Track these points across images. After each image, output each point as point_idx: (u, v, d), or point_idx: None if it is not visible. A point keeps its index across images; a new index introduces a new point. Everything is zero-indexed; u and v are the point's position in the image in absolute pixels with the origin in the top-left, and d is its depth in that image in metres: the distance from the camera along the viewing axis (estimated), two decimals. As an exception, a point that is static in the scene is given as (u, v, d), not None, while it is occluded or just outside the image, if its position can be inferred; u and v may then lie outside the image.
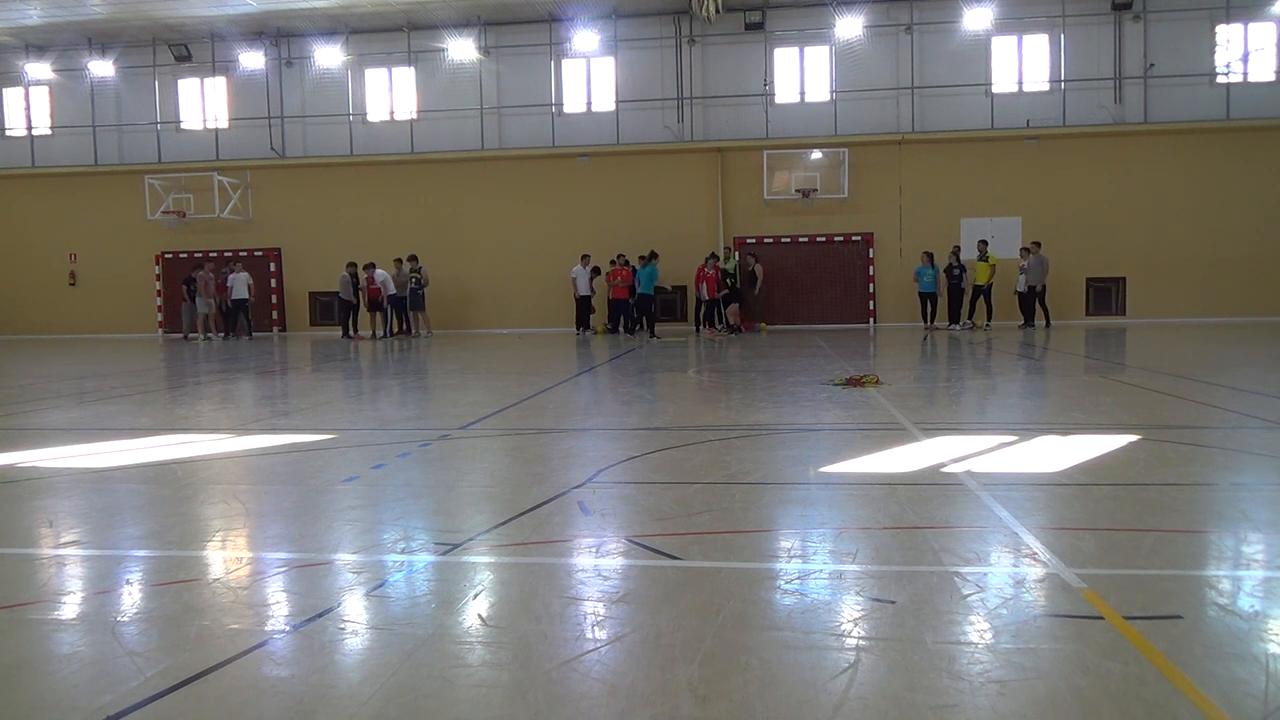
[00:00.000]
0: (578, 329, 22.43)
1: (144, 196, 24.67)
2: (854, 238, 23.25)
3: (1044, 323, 20.93)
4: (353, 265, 22.33)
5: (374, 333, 22.63)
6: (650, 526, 4.49)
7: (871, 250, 23.20)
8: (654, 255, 21.57)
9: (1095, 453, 6.08)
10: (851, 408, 8.52)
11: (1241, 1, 21.96)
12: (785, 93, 23.71)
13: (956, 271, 21.24)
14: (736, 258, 22.32)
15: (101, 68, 25.04)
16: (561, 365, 14.46)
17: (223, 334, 23.55)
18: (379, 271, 22.46)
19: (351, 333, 22.40)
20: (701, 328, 21.91)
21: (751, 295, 22.42)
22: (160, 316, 25.44)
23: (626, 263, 22.14)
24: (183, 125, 25.73)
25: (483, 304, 24.40)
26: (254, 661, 2.93)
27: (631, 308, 22.12)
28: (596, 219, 23.69)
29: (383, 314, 22.58)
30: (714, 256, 21.76)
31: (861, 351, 15.61)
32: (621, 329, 22.17)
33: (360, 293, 22.46)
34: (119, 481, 5.89)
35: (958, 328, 21.17)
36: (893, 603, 3.32)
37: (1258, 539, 4.14)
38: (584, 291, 22.20)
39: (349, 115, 24.87)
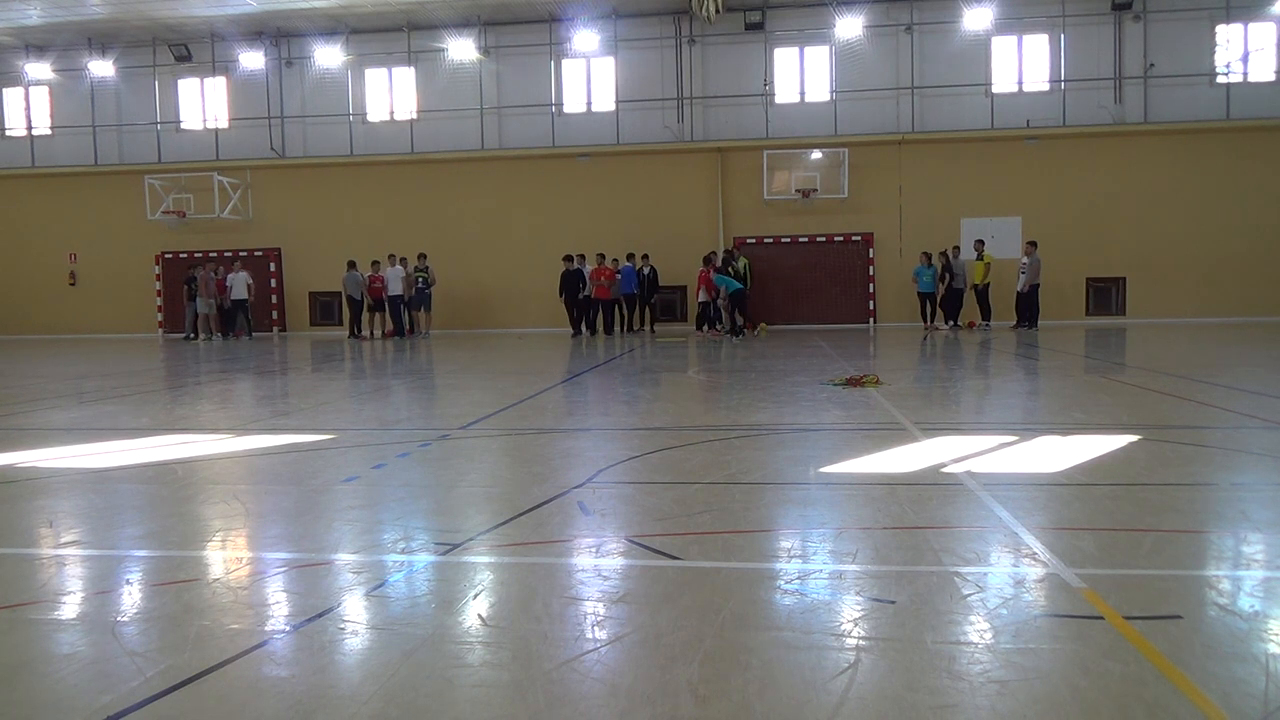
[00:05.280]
0: (576, 330, 22.45)
1: (144, 196, 24.67)
2: (854, 238, 23.25)
3: (1023, 323, 20.76)
4: (354, 264, 22.26)
5: (371, 331, 22.61)
6: (650, 526, 4.49)
7: (871, 250, 23.20)
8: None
9: (1095, 453, 6.08)
10: (851, 408, 8.52)
11: (1241, 1, 21.97)
12: (785, 93, 23.71)
13: (945, 273, 21.18)
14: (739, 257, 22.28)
15: (101, 68, 25.04)
16: (561, 365, 14.46)
17: (222, 334, 23.54)
18: (393, 269, 22.31)
19: (359, 332, 22.38)
20: (702, 328, 21.87)
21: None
22: (160, 316, 25.45)
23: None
24: (183, 125, 25.74)
25: (483, 304, 24.41)
26: (254, 661, 2.93)
27: (613, 306, 22.38)
28: (596, 219, 23.70)
29: (353, 312, 22.37)
30: (714, 256, 21.71)
31: (861, 351, 15.60)
32: (607, 329, 22.37)
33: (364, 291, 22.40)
34: (119, 481, 5.89)
35: (947, 328, 21.14)
36: (893, 603, 3.32)
37: (1258, 539, 4.13)
38: (588, 291, 22.30)
39: (349, 115, 24.88)
